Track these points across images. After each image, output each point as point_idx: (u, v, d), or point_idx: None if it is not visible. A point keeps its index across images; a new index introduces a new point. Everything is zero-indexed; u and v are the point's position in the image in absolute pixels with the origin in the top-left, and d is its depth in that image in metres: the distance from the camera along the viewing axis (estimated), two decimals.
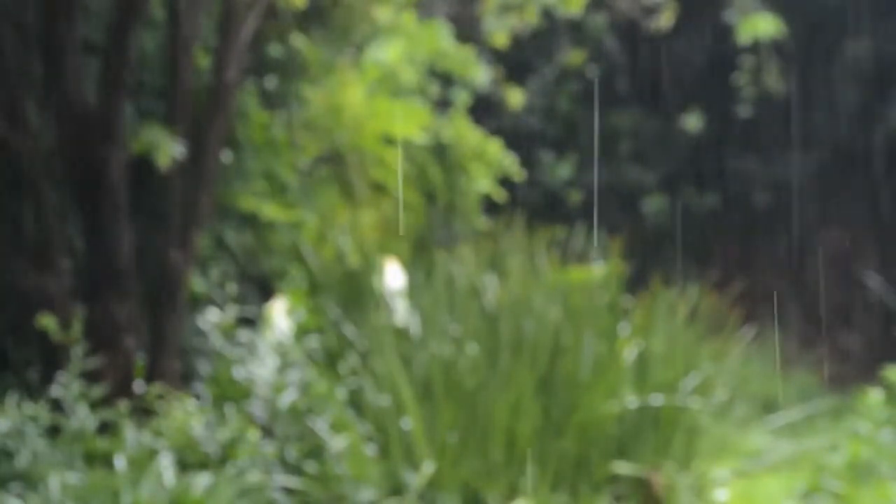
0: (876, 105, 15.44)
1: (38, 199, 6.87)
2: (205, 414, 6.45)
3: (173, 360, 7.07)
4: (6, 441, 5.90)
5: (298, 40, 8.90)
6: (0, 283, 6.99)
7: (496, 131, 10.89)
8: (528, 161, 11.75)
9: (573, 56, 14.37)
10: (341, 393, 6.97)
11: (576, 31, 15.03)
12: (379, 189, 9.47)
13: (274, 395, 6.69)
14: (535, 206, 13.24)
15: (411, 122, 9.50)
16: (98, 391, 6.18)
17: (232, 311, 7.07)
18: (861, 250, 15.51)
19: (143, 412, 6.49)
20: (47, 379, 6.37)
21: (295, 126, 8.95)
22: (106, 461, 5.97)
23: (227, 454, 6.22)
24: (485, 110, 12.31)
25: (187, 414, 6.37)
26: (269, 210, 8.43)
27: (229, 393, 6.70)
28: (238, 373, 6.77)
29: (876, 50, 15.36)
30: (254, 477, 6.14)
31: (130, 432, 6.13)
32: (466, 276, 8.13)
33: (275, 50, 8.83)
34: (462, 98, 10.94)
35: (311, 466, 6.55)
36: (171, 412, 6.38)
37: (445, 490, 7.12)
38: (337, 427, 6.73)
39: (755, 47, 12.77)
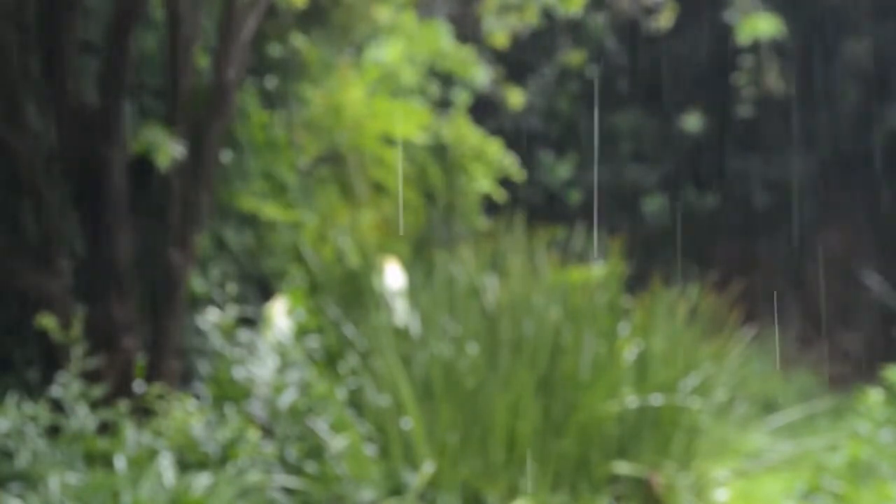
0: (876, 105, 15.44)
1: (38, 199, 6.87)
2: (205, 414, 6.45)
3: (173, 360, 7.06)
4: (6, 441, 5.90)
5: (298, 40, 8.90)
6: (0, 283, 6.99)
7: (496, 131, 10.89)
8: (528, 161, 11.75)
9: (573, 56, 14.37)
10: (341, 393, 6.97)
11: (576, 31, 15.03)
12: (379, 189, 9.47)
13: (274, 395, 6.69)
14: (535, 206, 13.24)
15: (411, 122, 9.50)
16: (98, 391, 6.18)
17: (232, 311, 7.07)
18: (861, 250, 15.51)
19: (143, 412, 6.49)
20: (47, 379, 6.36)
21: (295, 126, 8.95)
22: (106, 461, 5.97)
23: (227, 454, 6.21)
24: (485, 110, 12.31)
25: (187, 414, 6.37)
26: (269, 210, 8.43)
27: (229, 393, 6.70)
28: (238, 373, 6.77)
29: (876, 50, 15.36)
30: (254, 477, 6.14)
31: (130, 432, 6.13)
32: (466, 276, 8.13)
33: (275, 50, 8.83)
34: (462, 98, 10.95)
35: (311, 466, 6.55)
36: (171, 412, 6.38)
37: (445, 490, 7.12)
38: (337, 427, 6.73)
39: (755, 47, 12.76)
